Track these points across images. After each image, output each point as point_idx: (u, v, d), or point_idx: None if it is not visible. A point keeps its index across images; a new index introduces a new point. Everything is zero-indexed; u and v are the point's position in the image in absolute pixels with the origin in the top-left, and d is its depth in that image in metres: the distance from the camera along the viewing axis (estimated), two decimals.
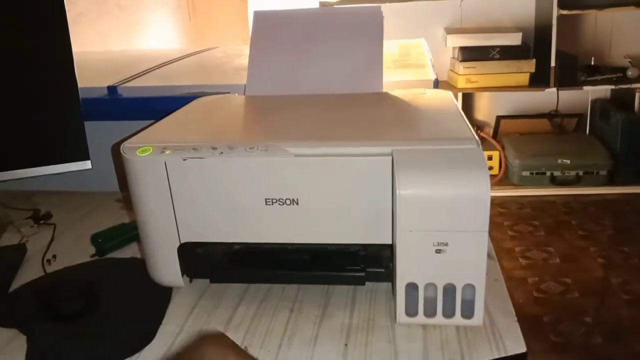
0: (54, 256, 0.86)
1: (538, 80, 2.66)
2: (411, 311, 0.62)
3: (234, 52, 1.49)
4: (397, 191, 0.56)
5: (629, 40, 2.78)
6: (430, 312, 0.62)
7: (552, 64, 2.59)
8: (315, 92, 0.88)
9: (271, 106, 0.85)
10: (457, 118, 0.71)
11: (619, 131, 2.63)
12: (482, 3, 2.75)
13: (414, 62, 1.15)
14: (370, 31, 0.91)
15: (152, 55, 1.62)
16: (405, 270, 0.61)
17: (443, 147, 0.61)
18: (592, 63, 2.80)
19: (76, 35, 0.89)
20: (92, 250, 0.86)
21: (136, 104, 1.08)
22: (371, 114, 0.78)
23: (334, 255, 0.71)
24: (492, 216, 0.58)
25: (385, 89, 0.87)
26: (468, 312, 0.61)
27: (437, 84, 0.97)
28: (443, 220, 0.57)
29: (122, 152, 0.67)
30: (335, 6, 0.93)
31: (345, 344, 0.61)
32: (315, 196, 0.64)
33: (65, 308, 0.70)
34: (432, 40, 1.32)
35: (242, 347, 0.62)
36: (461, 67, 2.64)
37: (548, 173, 2.68)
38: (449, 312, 0.62)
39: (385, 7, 0.94)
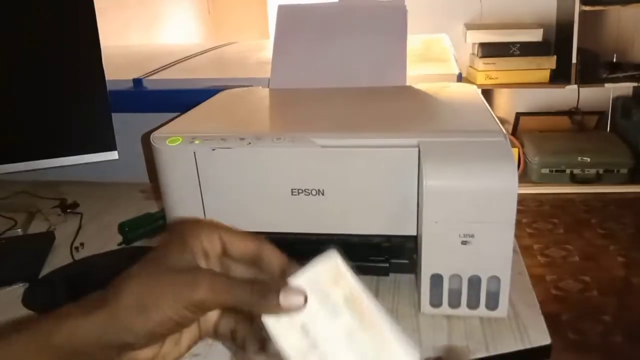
0: (82, 244, 0.88)
1: (558, 77, 2.64)
2: (435, 302, 0.63)
3: (255, 47, 1.50)
4: (425, 182, 0.57)
5: None
6: (454, 303, 0.62)
7: (574, 60, 2.57)
8: (338, 85, 0.89)
9: (296, 99, 0.86)
10: (483, 111, 0.71)
11: None
12: None
13: (436, 56, 1.15)
14: (394, 25, 0.91)
15: (174, 49, 1.64)
16: (431, 261, 0.61)
17: (470, 139, 0.61)
18: (615, 60, 2.76)
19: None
20: (118, 238, 0.88)
21: (161, 96, 1.10)
22: (396, 107, 0.78)
23: (358, 246, 0.71)
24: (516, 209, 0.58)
25: (408, 83, 0.87)
26: (492, 303, 0.62)
27: (460, 78, 0.97)
28: (470, 211, 0.57)
29: (152, 141, 0.68)
30: (359, 0, 0.93)
31: None
32: (341, 187, 0.65)
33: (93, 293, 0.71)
34: (451, 36, 1.32)
35: None
36: (481, 64, 2.63)
37: (568, 171, 2.66)
38: (473, 304, 0.62)
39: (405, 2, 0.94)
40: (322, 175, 0.65)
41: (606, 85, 2.63)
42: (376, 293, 0.69)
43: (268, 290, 0.36)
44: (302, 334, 0.35)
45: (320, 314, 0.35)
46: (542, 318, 0.63)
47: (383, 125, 0.70)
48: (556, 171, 2.67)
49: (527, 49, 2.61)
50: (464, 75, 2.78)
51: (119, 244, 0.87)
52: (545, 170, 2.67)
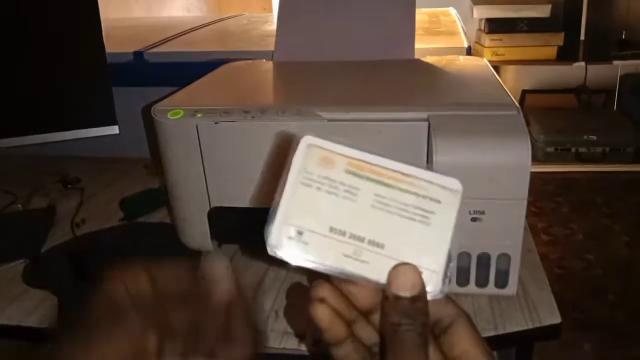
0: (83, 220, 0.86)
1: (566, 54, 2.59)
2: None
3: (259, 19, 1.47)
4: (435, 157, 0.55)
5: None
6: (463, 281, 0.61)
7: (582, 37, 2.52)
8: (345, 58, 0.87)
9: (301, 72, 0.84)
10: (494, 84, 0.69)
11: None
12: None
13: (445, 29, 1.12)
14: None
15: (177, 22, 1.61)
16: None
17: (482, 112, 0.59)
18: (623, 37, 2.71)
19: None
20: (120, 214, 0.86)
21: (162, 69, 1.07)
22: (405, 80, 0.76)
23: None
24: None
25: (416, 56, 0.85)
26: (502, 281, 0.60)
27: (470, 51, 0.94)
28: (481, 187, 0.55)
29: (153, 114, 0.66)
30: None
31: None
32: None
33: (94, 269, 0.70)
34: (458, 11, 1.28)
35: (273, 312, 0.62)
36: (487, 40, 2.58)
37: (573, 149, 2.63)
38: (482, 282, 0.61)
39: None
40: None
41: (614, 62, 2.59)
42: None
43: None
44: (338, 239, 0.30)
45: (339, 204, 0.31)
46: (551, 296, 0.62)
47: (392, 99, 0.68)
48: (561, 150, 2.64)
49: (534, 25, 2.56)
50: None
51: (121, 220, 0.85)
52: (550, 149, 2.64)
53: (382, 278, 0.30)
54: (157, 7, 3.08)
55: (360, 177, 0.31)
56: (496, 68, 2.84)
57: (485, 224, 0.57)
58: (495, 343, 0.58)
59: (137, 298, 0.32)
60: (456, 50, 0.95)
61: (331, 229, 0.30)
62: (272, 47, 0.92)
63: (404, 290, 0.29)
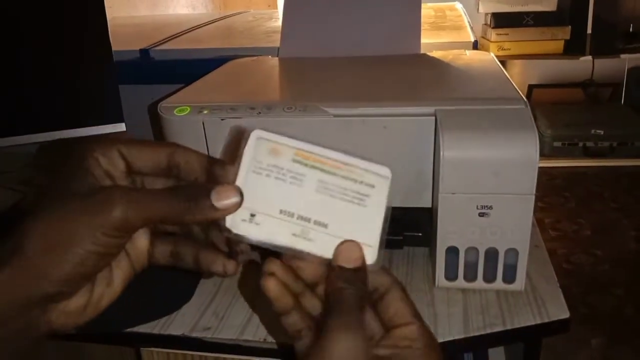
0: None
1: (573, 48, 2.57)
2: (451, 275, 0.61)
3: (264, 16, 1.47)
4: (442, 152, 0.55)
5: None
6: (470, 276, 0.61)
7: (589, 31, 2.50)
8: (350, 53, 0.86)
9: (307, 68, 0.84)
10: (501, 78, 0.68)
11: None
12: None
13: (450, 24, 1.11)
14: None
15: (182, 20, 1.61)
16: (447, 234, 0.59)
17: (489, 107, 0.59)
18: (631, 30, 2.69)
19: None
20: None
21: (168, 66, 1.08)
22: (411, 75, 0.75)
23: None
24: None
25: (422, 51, 0.84)
26: (510, 276, 0.60)
27: (476, 46, 0.94)
28: (488, 182, 0.55)
29: (159, 111, 0.66)
30: None
31: None
32: None
33: None
34: (463, 5, 1.27)
35: None
36: (493, 34, 2.57)
37: (581, 144, 2.61)
38: (490, 277, 0.61)
39: None
40: (334, 145, 0.63)
41: (622, 56, 2.57)
42: (389, 266, 0.68)
43: (196, 193, 0.32)
44: (287, 220, 0.35)
45: (287, 189, 0.35)
46: (559, 291, 0.62)
47: (398, 94, 0.68)
48: (569, 144, 2.62)
49: (541, 19, 2.54)
50: None
51: None
52: (557, 144, 2.62)
53: (327, 254, 0.35)
54: (162, 5, 3.08)
55: (306, 165, 0.35)
56: (502, 63, 2.82)
57: (493, 219, 0.57)
58: (503, 338, 0.58)
59: (109, 173, 0.35)
60: (462, 45, 0.94)
61: (281, 212, 0.34)
62: (277, 44, 0.92)
63: (348, 262, 0.34)
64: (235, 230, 0.34)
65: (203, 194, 0.32)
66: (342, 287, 0.34)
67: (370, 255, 0.35)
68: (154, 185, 0.37)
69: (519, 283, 0.60)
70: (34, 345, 0.33)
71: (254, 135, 0.35)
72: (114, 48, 0.90)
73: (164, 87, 0.95)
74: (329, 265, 0.35)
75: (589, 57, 2.55)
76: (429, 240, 0.67)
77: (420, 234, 0.68)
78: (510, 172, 0.54)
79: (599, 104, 2.84)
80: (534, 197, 0.56)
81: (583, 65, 2.64)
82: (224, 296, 0.65)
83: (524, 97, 0.60)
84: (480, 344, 0.58)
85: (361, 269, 0.35)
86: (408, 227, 0.68)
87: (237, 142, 0.45)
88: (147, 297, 0.66)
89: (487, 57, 0.80)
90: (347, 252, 0.35)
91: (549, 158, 2.62)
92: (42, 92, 0.90)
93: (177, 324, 0.61)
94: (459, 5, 1.29)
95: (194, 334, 0.59)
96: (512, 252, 0.59)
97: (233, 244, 0.37)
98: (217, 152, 0.65)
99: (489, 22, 2.62)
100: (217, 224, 0.35)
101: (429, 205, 0.64)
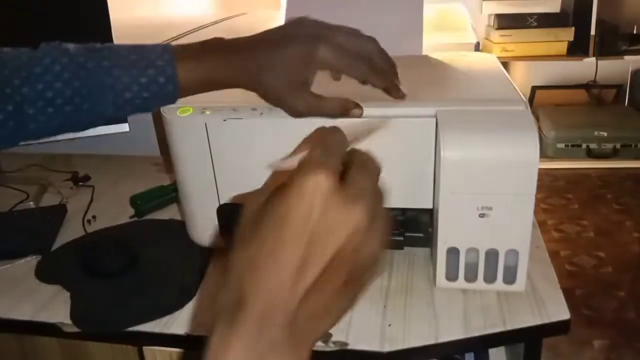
0: (94, 217, 0.87)
1: (576, 49, 2.57)
2: (451, 276, 0.62)
3: (266, 17, 1.47)
4: (442, 153, 0.55)
5: None
6: (471, 277, 0.61)
7: (592, 32, 2.50)
8: None
9: None
10: (502, 80, 0.69)
11: None
12: None
13: (453, 25, 1.12)
14: None
15: (183, 21, 1.61)
16: (447, 235, 0.60)
17: (489, 108, 0.59)
18: (635, 32, 2.68)
19: None
20: (131, 211, 0.87)
21: None
22: (413, 76, 0.75)
23: None
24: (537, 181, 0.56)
25: (424, 52, 0.85)
26: (510, 277, 0.60)
27: (478, 47, 0.94)
28: (489, 183, 0.55)
29: (162, 112, 0.67)
30: None
31: (384, 306, 0.61)
32: None
33: (106, 265, 0.71)
34: (467, 6, 1.28)
35: None
36: (497, 35, 2.56)
37: (584, 145, 2.61)
38: (490, 278, 0.61)
39: None
40: None
41: (625, 57, 2.56)
42: (390, 266, 0.68)
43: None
44: None
45: None
46: (560, 292, 0.62)
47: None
48: (572, 146, 2.62)
49: (544, 20, 2.54)
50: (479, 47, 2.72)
51: (131, 217, 0.86)
52: (561, 145, 2.62)
53: None
54: (165, 4, 3.09)
55: None
56: (506, 64, 2.82)
57: (494, 219, 0.57)
58: (503, 338, 0.58)
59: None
60: (465, 46, 0.94)
61: None
62: None
63: None
64: None
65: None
66: None
67: None
68: None
69: (520, 284, 0.61)
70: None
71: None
72: None
73: None
74: None
75: (593, 59, 2.54)
76: (429, 241, 0.67)
77: (421, 235, 0.68)
78: (510, 172, 0.55)
79: (603, 106, 2.84)
80: (534, 198, 0.56)
81: (586, 66, 2.63)
82: None
83: (525, 99, 0.60)
84: (480, 344, 0.58)
85: None
86: (409, 227, 0.69)
87: None
88: (150, 295, 0.66)
89: (489, 59, 0.80)
90: None
91: (552, 159, 2.62)
92: None
93: (179, 322, 0.62)
94: (461, 7, 1.30)
95: (197, 333, 0.60)
96: (513, 253, 0.59)
97: None
98: (219, 152, 0.66)
99: (492, 24, 2.62)
100: None
101: (430, 206, 0.64)
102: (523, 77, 2.92)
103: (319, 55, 0.54)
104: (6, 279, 0.72)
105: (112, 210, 0.89)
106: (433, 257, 0.64)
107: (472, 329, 0.57)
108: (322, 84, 0.60)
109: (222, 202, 0.69)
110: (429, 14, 1.22)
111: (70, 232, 0.83)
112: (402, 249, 0.70)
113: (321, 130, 0.34)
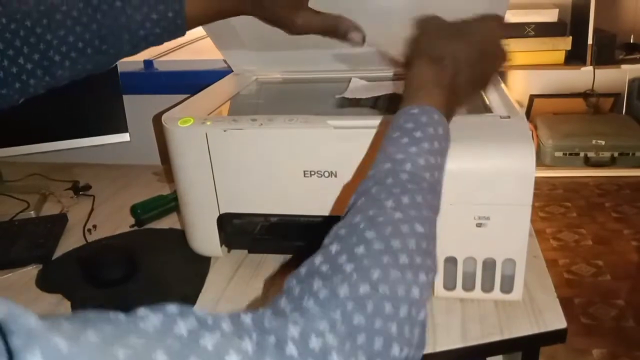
0: (94, 226, 0.88)
1: (574, 59, 2.59)
2: (449, 285, 0.62)
3: None
4: None
5: None
6: (468, 286, 0.62)
7: (589, 41, 2.51)
8: (350, 67, 0.87)
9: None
10: (498, 90, 0.69)
11: None
12: None
13: None
14: None
15: None
16: (445, 245, 0.60)
17: (486, 119, 0.60)
18: (632, 41, 2.70)
19: None
20: (131, 221, 0.88)
21: (172, 77, 1.09)
22: None
23: None
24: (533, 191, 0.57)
25: None
26: (507, 287, 0.61)
27: None
28: (486, 193, 0.56)
29: (163, 123, 0.68)
30: None
31: None
32: (354, 169, 0.64)
33: (106, 275, 0.72)
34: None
35: None
36: None
37: (582, 154, 2.62)
38: (488, 287, 0.61)
39: None
40: (334, 157, 0.64)
41: (622, 66, 2.58)
42: None
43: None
44: None
45: None
46: (557, 301, 0.63)
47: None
48: (570, 154, 2.63)
49: (542, 30, 2.56)
50: None
51: (131, 226, 0.87)
52: (559, 154, 2.63)
53: None
54: None
55: None
56: (504, 73, 2.84)
57: (491, 229, 0.58)
58: (501, 347, 0.59)
59: None
60: None
61: None
62: None
63: None
64: None
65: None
66: None
67: None
68: None
69: (517, 293, 0.61)
70: None
71: None
72: None
73: (168, 97, 0.97)
74: None
75: (590, 68, 2.56)
76: None
77: None
78: (506, 183, 0.55)
79: (600, 114, 2.85)
80: (530, 208, 0.56)
81: (584, 75, 2.65)
82: (226, 304, 0.65)
83: (520, 110, 0.61)
84: (478, 353, 0.59)
85: None
86: None
87: None
88: (150, 304, 0.66)
89: None
90: None
91: (550, 168, 2.63)
92: (48, 103, 0.91)
93: None
94: None
95: None
96: (510, 263, 0.59)
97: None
98: (219, 162, 0.66)
99: None
100: None
101: None
102: (521, 85, 2.93)
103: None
104: (7, 288, 0.72)
105: (112, 219, 0.90)
106: None
107: (470, 338, 0.58)
108: None
109: (222, 211, 0.69)
110: None
111: (71, 241, 0.84)
112: None
113: None
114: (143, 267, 0.73)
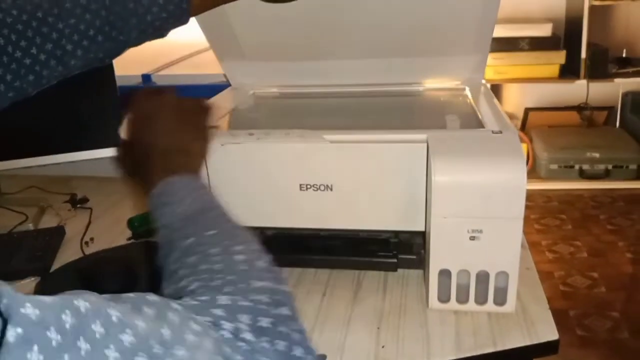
0: (92, 239, 0.88)
1: (568, 72, 2.62)
2: (443, 297, 0.63)
3: None
4: (433, 177, 0.57)
5: None
6: (462, 298, 0.63)
7: (583, 55, 2.55)
8: (346, 82, 0.89)
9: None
10: (491, 105, 0.71)
11: None
12: None
13: None
14: None
15: (183, 44, 1.64)
16: (439, 257, 0.61)
17: (479, 134, 0.61)
18: (624, 55, 2.74)
19: None
20: (128, 233, 0.88)
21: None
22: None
23: (366, 241, 0.71)
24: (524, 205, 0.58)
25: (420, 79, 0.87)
26: (500, 299, 0.62)
27: None
28: (478, 207, 0.57)
29: None
30: None
31: (378, 327, 0.62)
32: (349, 182, 0.65)
33: (104, 287, 0.72)
34: None
35: None
36: (489, 58, 2.60)
37: (576, 166, 2.64)
38: (481, 299, 0.62)
39: None
40: (330, 171, 0.65)
41: (615, 80, 2.61)
42: (384, 288, 0.70)
43: None
44: None
45: None
46: (549, 313, 0.63)
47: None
48: (565, 167, 2.65)
49: (536, 44, 2.59)
50: None
51: (129, 239, 0.87)
52: (553, 166, 2.65)
53: None
54: None
55: None
56: (499, 86, 2.87)
57: (483, 242, 0.59)
58: (494, 359, 0.59)
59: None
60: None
61: None
62: None
63: None
64: None
65: None
66: None
67: None
68: None
69: (510, 305, 0.62)
70: None
71: None
72: (117, 73, 0.93)
73: None
74: None
75: (584, 81, 2.59)
76: (422, 263, 0.69)
77: (414, 257, 0.70)
78: (498, 197, 0.56)
79: (594, 127, 2.88)
80: (522, 221, 0.57)
81: (578, 89, 2.68)
82: None
83: (513, 124, 0.62)
84: None
85: None
86: (402, 250, 0.70)
87: None
88: None
89: (481, 90, 0.82)
90: None
91: (546, 180, 2.64)
92: (47, 117, 0.92)
93: None
94: None
95: None
96: (503, 275, 0.60)
97: None
98: (217, 175, 0.67)
99: None
100: None
101: (423, 229, 0.66)
102: (516, 99, 2.96)
103: None
104: None
105: (109, 232, 0.90)
106: (426, 278, 0.66)
107: (463, 349, 0.59)
108: None
109: None
110: None
111: (68, 253, 0.84)
112: (396, 270, 0.71)
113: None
114: (140, 279, 0.73)
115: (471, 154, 0.58)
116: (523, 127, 2.94)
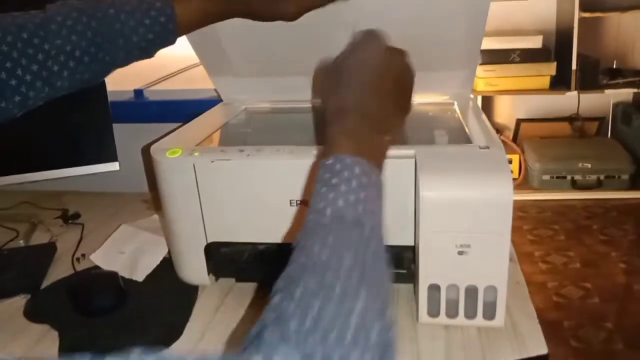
0: (83, 255, 0.88)
1: (559, 84, 2.64)
2: (433, 312, 0.63)
3: None
4: (421, 193, 0.58)
5: None
6: (452, 313, 0.63)
7: (574, 67, 2.57)
8: None
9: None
10: (479, 120, 0.72)
11: None
12: (502, 6, 2.74)
13: None
14: None
15: (176, 58, 1.65)
16: (428, 272, 0.62)
17: (466, 149, 0.62)
18: (615, 66, 2.77)
19: None
20: None
21: (162, 107, 1.11)
22: None
23: None
24: (511, 220, 0.59)
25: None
26: (490, 313, 0.62)
27: None
28: (466, 222, 0.58)
29: (152, 154, 0.69)
30: None
31: None
32: None
33: (95, 304, 0.72)
34: None
35: None
36: (481, 70, 2.63)
37: (569, 177, 2.66)
38: (470, 313, 0.63)
39: None
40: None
41: (606, 91, 2.64)
42: None
43: None
44: None
45: None
46: (539, 327, 0.64)
47: None
48: (557, 177, 2.67)
49: (527, 56, 2.62)
50: None
51: None
52: (546, 177, 2.67)
53: None
54: None
55: None
56: (490, 98, 2.90)
57: (472, 257, 0.59)
58: None
59: None
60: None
61: None
62: None
63: None
64: None
65: None
66: None
67: None
68: None
69: (499, 319, 0.62)
70: None
71: None
72: (109, 88, 0.93)
73: (158, 125, 0.98)
74: None
75: (575, 92, 2.61)
76: (412, 277, 0.69)
77: (404, 271, 0.70)
78: (485, 212, 0.57)
79: (586, 138, 2.90)
80: (509, 236, 0.58)
81: (569, 100, 2.70)
82: (212, 334, 0.66)
83: (499, 140, 0.63)
84: None
85: None
86: (393, 264, 0.70)
87: None
88: (138, 334, 0.67)
89: (469, 104, 0.83)
90: None
91: (538, 191, 2.66)
92: (38, 132, 0.92)
93: None
94: None
95: None
96: (491, 290, 0.61)
97: None
98: (207, 192, 0.68)
99: None
100: None
101: (412, 244, 0.66)
102: (508, 110, 2.98)
103: None
104: None
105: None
106: (415, 293, 0.66)
107: None
108: None
109: (209, 241, 0.70)
110: None
111: (59, 270, 0.84)
112: None
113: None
114: (131, 297, 0.73)
115: (458, 169, 0.59)
116: (515, 139, 2.96)
